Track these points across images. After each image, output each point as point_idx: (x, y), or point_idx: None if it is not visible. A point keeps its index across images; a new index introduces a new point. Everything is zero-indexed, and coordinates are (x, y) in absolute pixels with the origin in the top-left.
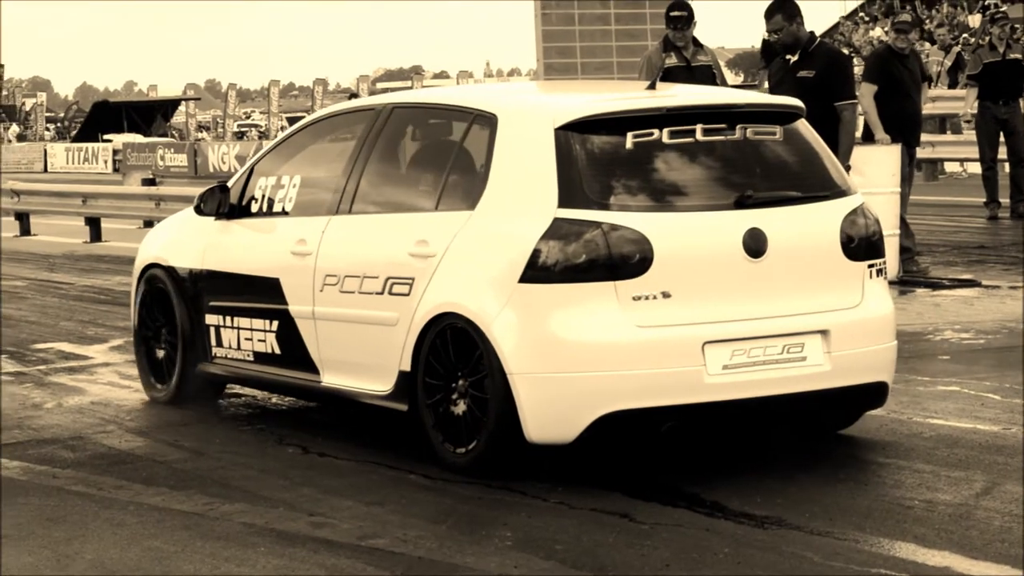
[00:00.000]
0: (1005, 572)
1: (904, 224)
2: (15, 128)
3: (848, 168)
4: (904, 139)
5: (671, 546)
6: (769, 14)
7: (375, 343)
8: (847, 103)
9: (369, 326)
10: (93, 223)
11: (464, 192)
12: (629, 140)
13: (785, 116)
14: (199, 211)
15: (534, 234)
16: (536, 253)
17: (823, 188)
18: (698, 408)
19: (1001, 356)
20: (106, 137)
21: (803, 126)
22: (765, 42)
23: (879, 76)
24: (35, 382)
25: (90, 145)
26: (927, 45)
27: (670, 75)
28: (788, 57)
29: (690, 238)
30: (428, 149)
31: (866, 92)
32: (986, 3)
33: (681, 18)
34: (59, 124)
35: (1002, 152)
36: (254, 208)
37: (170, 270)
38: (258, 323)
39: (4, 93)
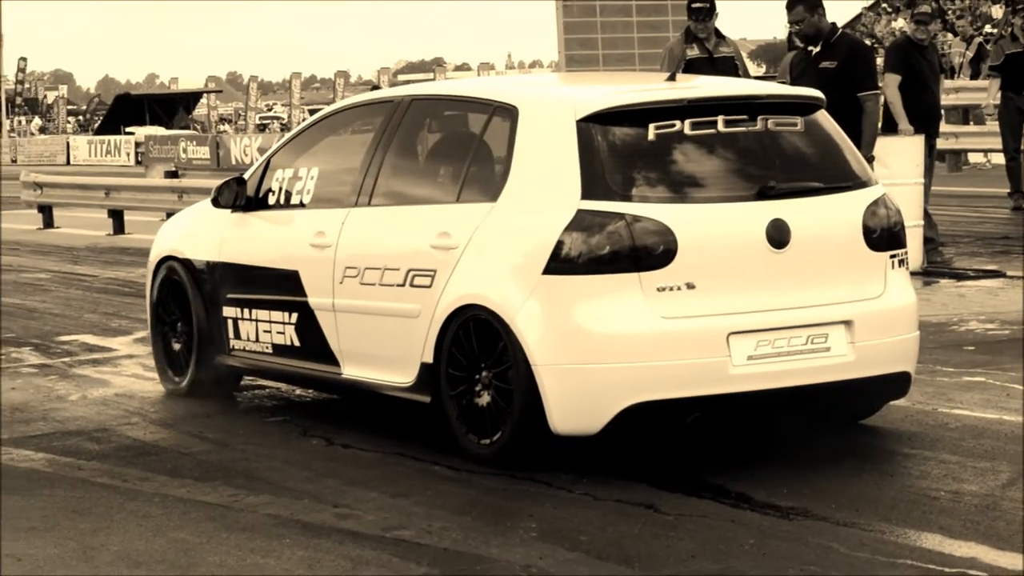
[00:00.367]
0: None
1: (927, 215)
2: (37, 121)
3: (872, 159)
4: (924, 130)
5: (696, 537)
6: (791, 5)
7: (397, 335)
8: (870, 93)
9: (390, 318)
10: (116, 215)
11: (485, 184)
12: (651, 132)
13: (806, 107)
14: (216, 203)
15: (558, 226)
16: (560, 245)
17: (844, 179)
18: (723, 399)
19: None
20: (128, 130)
21: (823, 117)
22: (791, 35)
23: (901, 66)
24: (60, 374)
25: (112, 138)
26: (949, 36)
27: (692, 67)
28: (810, 48)
29: (713, 229)
30: (447, 141)
31: (890, 82)
32: None
33: (703, 9)
34: (81, 117)
35: None
36: (271, 200)
37: (186, 262)
38: (277, 315)
39: (26, 86)
